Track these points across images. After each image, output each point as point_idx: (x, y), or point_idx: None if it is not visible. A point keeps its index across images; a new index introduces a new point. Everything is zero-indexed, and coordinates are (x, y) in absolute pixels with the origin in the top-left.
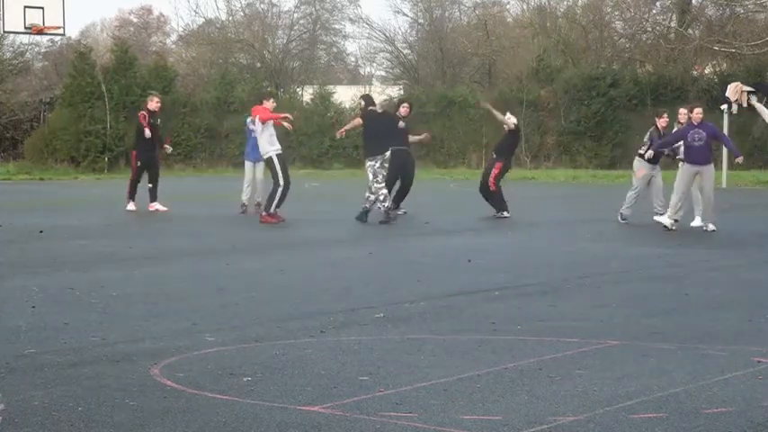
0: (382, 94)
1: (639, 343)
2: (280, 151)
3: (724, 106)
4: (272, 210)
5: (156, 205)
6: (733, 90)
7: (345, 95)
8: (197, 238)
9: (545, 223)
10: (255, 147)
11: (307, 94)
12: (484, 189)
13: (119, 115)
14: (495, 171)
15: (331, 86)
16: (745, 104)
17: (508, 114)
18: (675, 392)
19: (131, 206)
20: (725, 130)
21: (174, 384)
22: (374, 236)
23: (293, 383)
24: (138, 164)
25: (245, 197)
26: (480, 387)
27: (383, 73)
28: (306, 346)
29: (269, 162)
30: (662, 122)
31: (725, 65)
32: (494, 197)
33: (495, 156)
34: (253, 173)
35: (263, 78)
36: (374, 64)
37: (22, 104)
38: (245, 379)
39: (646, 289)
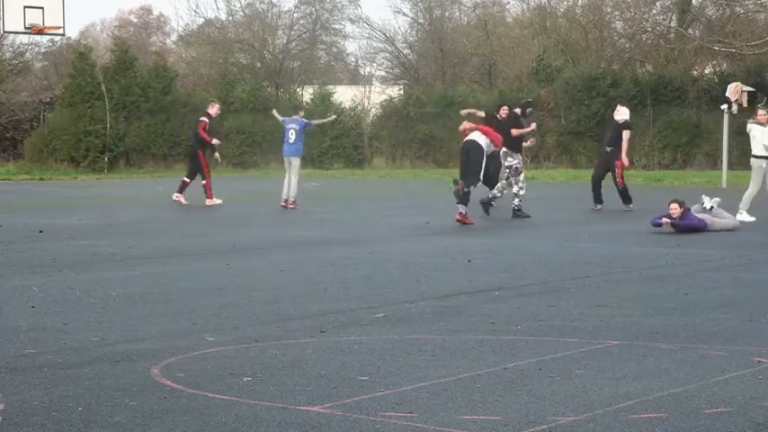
0: (382, 93)
1: (639, 343)
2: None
3: (724, 106)
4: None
5: (181, 198)
6: (733, 90)
7: (345, 95)
8: (197, 238)
9: (545, 223)
10: (295, 143)
11: (307, 94)
12: (597, 183)
13: (119, 115)
14: (619, 171)
15: (331, 86)
16: (744, 104)
17: (620, 108)
18: (675, 392)
19: (216, 201)
20: (725, 130)
21: (174, 384)
22: (374, 236)
23: (293, 383)
24: (206, 161)
25: (284, 194)
26: (480, 387)
27: (383, 73)
28: (306, 346)
29: (479, 153)
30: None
31: (725, 65)
32: (624, 192)
33: (608, 150)
34: (290, 168)
35: (263, 78)
36: (374, 64)
37: (22, 104)
38: (245, 379)
39: (646, 289)
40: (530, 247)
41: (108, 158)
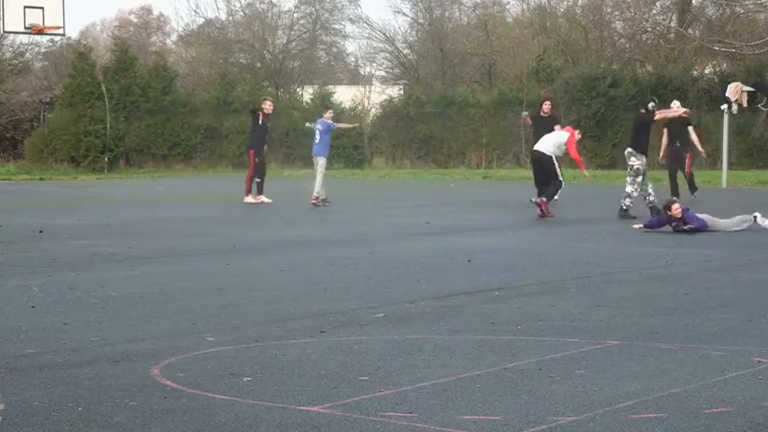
0: (382, 93)
1: (639, 343)
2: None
3: (724, 106)
4: (550, 200)
5: (262, 198)
6: (733, 90)
7: (345, 95)
8: (197, 238)
9: (545, 223)
10: (319, 144)
11: (307, 94)
12: (674, 178)
13: (119, 115)
14: (688, 161)
15: (331, 86)
16: (744, 104)
17: (677, 104)
18: (675, 392)
19: (250, 198)
20: (725, 130)
21: (174, 384)
22: (374, 236)
23: (293, 383)
24: (257, 160)
25: (316, 191)
26: (480, 387)
27: (383, 73)
28: (306, 346)
29: (549, 162)
30: None
31: (725, 65)
32: (692, 180)
33: (678, 145)
34: (320, 166)
35: (263, 78)
36: (374, 64)
37: (22, 104)
38: (245, 379)
39: (646, 289)
40: (530, 247)
41: (108, 158)
